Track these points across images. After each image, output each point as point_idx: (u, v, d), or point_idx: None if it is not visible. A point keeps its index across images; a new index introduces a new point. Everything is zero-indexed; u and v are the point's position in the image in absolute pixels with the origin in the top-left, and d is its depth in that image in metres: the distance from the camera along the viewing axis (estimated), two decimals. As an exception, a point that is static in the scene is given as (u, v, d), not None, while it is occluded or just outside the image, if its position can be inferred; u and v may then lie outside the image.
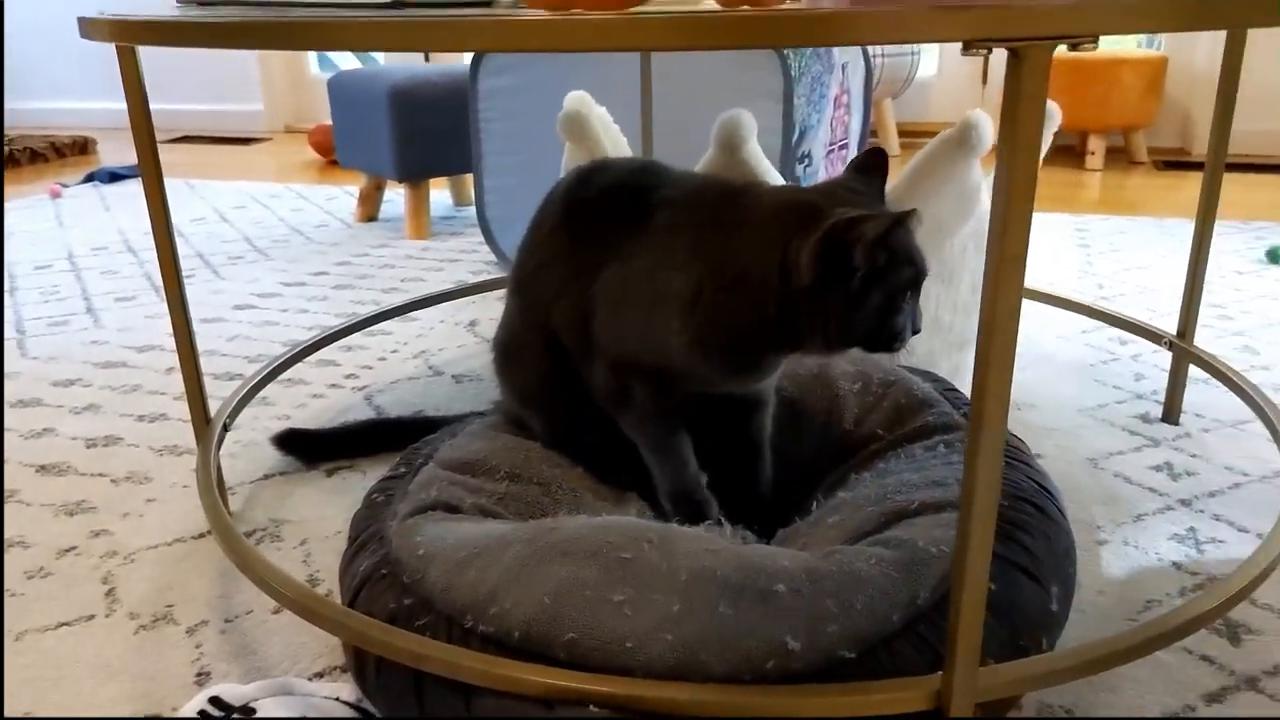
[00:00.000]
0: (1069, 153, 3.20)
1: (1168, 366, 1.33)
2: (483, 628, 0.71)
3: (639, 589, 0.71)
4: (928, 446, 0.93)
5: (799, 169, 1.83)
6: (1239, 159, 3.12)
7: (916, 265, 0.77)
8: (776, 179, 1.12)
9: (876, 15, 0.49)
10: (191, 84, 4.11)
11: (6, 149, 3.20)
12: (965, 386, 1.27)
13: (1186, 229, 2.28)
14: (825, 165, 1.97)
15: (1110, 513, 1.10)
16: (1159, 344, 1.33)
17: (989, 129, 1.13)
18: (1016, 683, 0.70)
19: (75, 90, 4.22)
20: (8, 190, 2.99)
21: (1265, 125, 3.17)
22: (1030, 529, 0.81)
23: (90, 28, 0.82)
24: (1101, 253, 2.14)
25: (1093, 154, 3.08)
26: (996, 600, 0.73)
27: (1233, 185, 2.80)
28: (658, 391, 0.88)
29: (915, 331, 0.79)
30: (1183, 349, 1.28)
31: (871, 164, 0.84)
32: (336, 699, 0.78)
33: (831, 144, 1.98)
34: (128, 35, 0.80)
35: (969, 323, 1.25)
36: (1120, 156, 3.17)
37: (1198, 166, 3.10)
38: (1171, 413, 1.32)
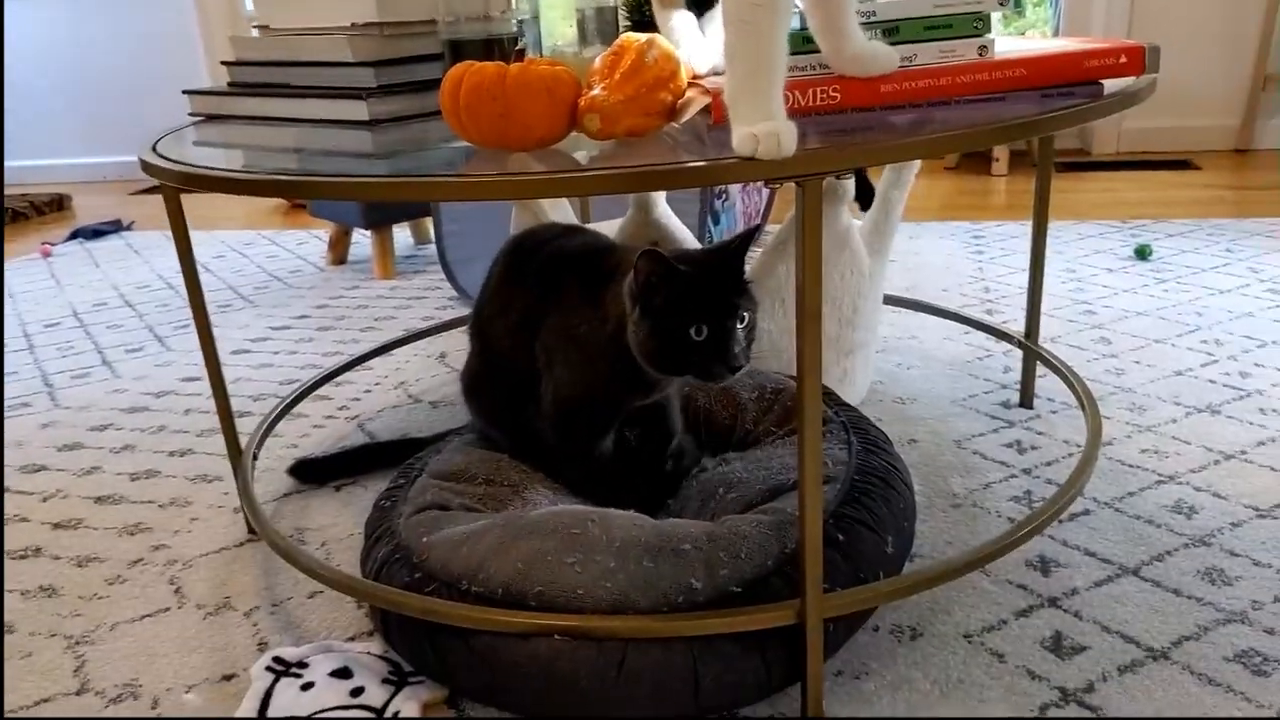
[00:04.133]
0: (980, 158, 3.38)
1: (1026, 362, 1.61)
2: (475, 589, 0.98)
3: (585, 554, 0.98)
4: (805, 438, 1.22)
5: (718, 204, 2.12)
6: (1134, 156, 3.35)
7: (698, 306, 0.99)
8: (685, 233, 1.40)
9: (716, 167, 0.77)
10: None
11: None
12: (855, 387, 1.57)
13: (1074, 230, 2.57)
14: (741, 197, 2.26)
15: (965, 482, 1.36)
16: (1011, 343, 1.63)
17: (851, 184, 1.42)
18: (853, 603, 0.98)
19: (47, 148, 4.40)
20: (-1, 252, 3.20)
21: (1156, 122, 3.37)
22: (874, 495, 1.09)
23: (152, 171, 1.07)
24: (993, 258, 2.39)
25: (997, 160, 3.28)
26: (844, 547, 1.01)
27: (1124, 183, 3.04)
28: (592, 421, 1.15)
29: (733, 368, 1.00)
30: (1028, 347, 1.57)
31: (738, 241, 1.06)
32: (368, 653, 1.05)
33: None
34: (182, 180, 1.04)
35: (853, 334, 1.53)
36: (1025, 160, 3.34)
37: (1097, 166, 3.29)
38: (1026, 399, 1.61)
